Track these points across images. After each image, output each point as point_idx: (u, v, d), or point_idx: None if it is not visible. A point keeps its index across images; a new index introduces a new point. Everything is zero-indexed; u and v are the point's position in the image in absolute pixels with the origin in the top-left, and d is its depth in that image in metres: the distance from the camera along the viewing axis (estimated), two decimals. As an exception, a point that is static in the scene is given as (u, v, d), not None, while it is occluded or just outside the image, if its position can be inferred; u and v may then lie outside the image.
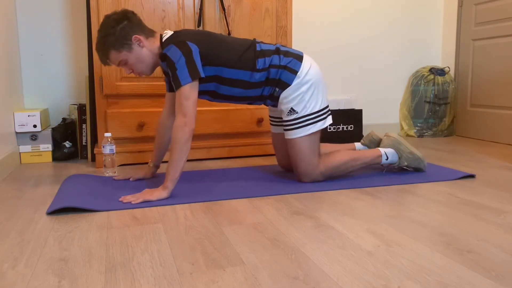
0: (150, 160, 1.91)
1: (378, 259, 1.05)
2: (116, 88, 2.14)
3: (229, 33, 2.28)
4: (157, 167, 1.91)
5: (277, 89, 1.73)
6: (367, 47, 3.19)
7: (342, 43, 3.12)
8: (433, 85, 3.15)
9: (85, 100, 2.54)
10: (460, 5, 3.21)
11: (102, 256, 1.08)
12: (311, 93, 1.72)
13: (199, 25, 2.23)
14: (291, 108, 1.72)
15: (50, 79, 2.53)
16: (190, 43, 1.59)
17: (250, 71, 1.69)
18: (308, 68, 1.73)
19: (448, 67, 3.26)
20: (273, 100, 1.77)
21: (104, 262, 1.05)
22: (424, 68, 3.27)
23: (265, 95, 1.75)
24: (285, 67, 1.70)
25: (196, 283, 0.93)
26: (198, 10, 2.23)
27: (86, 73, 2.57)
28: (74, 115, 2.46)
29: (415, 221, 1.32)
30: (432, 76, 3.18)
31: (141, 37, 1.62)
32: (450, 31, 3.31)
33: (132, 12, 1.64)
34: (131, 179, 1.86)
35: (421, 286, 0.91)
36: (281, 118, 1.87)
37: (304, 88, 1.71)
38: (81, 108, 2.34)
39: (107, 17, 1.61)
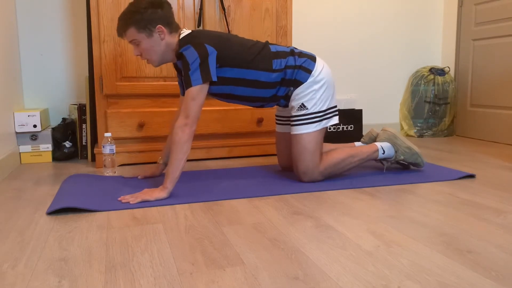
0: (159, 157, 1.93)
1: (378, 259, 1.05)
2: (116, 88, 2.14)
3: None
4: (166, 164, 1.92)
5: (291, 88, 1.77)
6: (367, 47, 3.19)
7: (342, 43, 3.12)
8: (433, 85, 3.15)
9: (85, 100, 2.54)
10: (460, 5, 3.21)
11: (102, 256, 1.08)
12: (322, 91, 1.76)
13: (199, 25, 2.23)
14: (302, 104, 1.75)
15: (50, 79, 2.53)
16: (208, 46, 1.61)
17: (266, 72, 1.72)
18: (321, 68, 1.78)
19: (448, 67, 3.26)
20: (287, 100, 1.81)
21: (104, 262, 1.05)
22: (424, 68, 3.27)
23: (279, 96, 1.79)
24: (300, 67, 1.75)
25: (196, 283, 0.93)
26: (198, 10, 2.23)
27: (86, 73, 2.57)
28: (74, 115, 2.46)
29: (415, 221, 1.32)
30: (432, 76, 3.18)
31: (165, 30, 1.64)
32: (450, 31, 3.31)
33: (169, 5, 1.66)
34: (139, 177, 1.88)
35: (421, 286, 0.91)
36: (289, 116, 1.90)
37: (316, 86, 1.75)
38: (81, 108, 2.34)
39: None
